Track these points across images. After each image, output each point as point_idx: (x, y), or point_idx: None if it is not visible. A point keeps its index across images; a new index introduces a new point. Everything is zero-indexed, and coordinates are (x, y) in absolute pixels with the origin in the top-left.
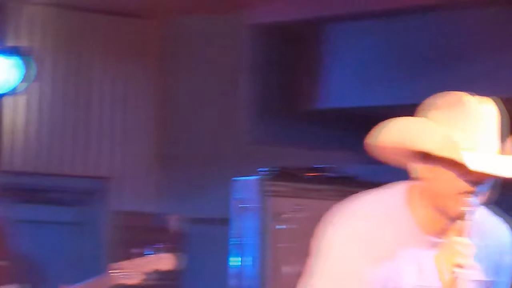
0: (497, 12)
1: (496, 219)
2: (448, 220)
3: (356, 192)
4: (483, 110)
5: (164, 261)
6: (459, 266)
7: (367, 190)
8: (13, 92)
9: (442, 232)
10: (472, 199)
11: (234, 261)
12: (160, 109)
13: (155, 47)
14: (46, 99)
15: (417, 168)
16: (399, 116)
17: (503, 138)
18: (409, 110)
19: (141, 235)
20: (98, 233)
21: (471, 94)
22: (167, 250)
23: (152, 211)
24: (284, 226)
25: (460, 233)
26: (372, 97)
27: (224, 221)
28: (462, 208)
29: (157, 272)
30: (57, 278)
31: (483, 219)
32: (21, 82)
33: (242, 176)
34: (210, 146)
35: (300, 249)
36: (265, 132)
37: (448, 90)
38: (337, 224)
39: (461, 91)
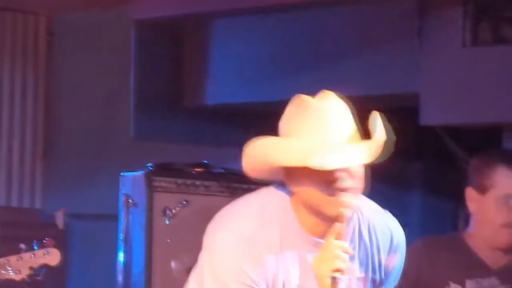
0: (370, 11)
1: (385, 214)
2: (330, 222)
3: (243, 187)
4: (325, 107)
5: (52, 257)
6: (338, 270)
7: (254, 189)
8: None
9: (327, 232)
10: (347, 198)
11: (122, 257)
12: (46, 104)
13: (41, 42)
14: None
15: (286, 183)
16: (278, 112)
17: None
18: None
19: (28, 231)
20: None
21: (316, 94)
22: (54, 246)
23: (38, 207)
24: (171, 222)
25: (339, 236)
26: (258, 93)
27: (112, 217)
28: (340, 209)
29: (44, 267)
30: None
31: (371, 215)
32: None
33: (130, 171)
34: (97, 141)
35: (188, 244)
36: (152, 127)
37: (330, 87)
38: (222, 225)
39: (341, 87)
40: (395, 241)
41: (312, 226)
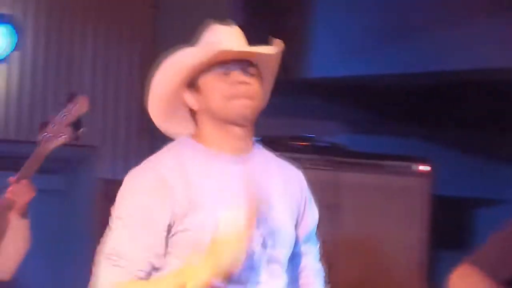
0: None
1: (284, 159)
2: (235, 128)
3: (348, 162)
4: (226, 27)
5: (81, 103)
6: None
7: (360, 163)
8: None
9: (237, 149)
10: (247, 100)
11: None
12: (144, 77)
13: (146, 14)
14: (27, 67)
15: (191, 100)
16: (382, 85)
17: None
18: (397, 79)
19: None
20: (83, 202)
21: None
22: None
23: None
24: None
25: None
26: (362, 66)
27: None
28: (240, 109)
29: (80, 116)
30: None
31: (273, 158)
32: (6, 50)
33: None
34: None
35: None
36: None
37: (428, 60)
38: (128, 176)
39: (441, 59)
40: (302, 180)
41: (220, 143)
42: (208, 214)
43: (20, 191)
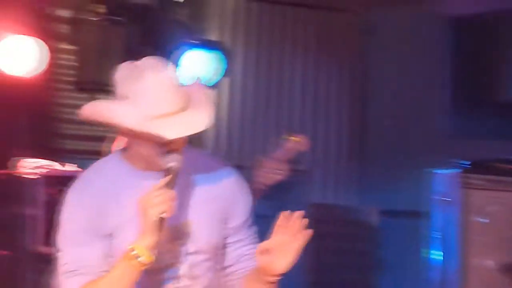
0: None
1: (216, 160)
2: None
3: None
4: (158, 77)
5: (301, 142)
6: (163, 212)
7: None
8: (209, 86)
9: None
10: (173, 156)
11: (435, 254)
12: (354, 102)
13: (347, 40)
14: (237, 93)
15: (122, 138)
16: None
17: (186, 96)
18: None
19: (342, 228)
20: None
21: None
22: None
23: (353, 204)
24: (484, 220)
25: (168, 186)
26: None
27: (417, 214)
28: (167, 164)
29: (299, 153)
30: None
31: (203, 163)
32: (216, 76)
33: (436, 169)
34: (404, 138)
35: (503, 242)
36: (460, 124)
37: None
38: (67, 196)
39: None
40: (232, 184)
41: (147, 165)
42: (134, 230)
43: None
